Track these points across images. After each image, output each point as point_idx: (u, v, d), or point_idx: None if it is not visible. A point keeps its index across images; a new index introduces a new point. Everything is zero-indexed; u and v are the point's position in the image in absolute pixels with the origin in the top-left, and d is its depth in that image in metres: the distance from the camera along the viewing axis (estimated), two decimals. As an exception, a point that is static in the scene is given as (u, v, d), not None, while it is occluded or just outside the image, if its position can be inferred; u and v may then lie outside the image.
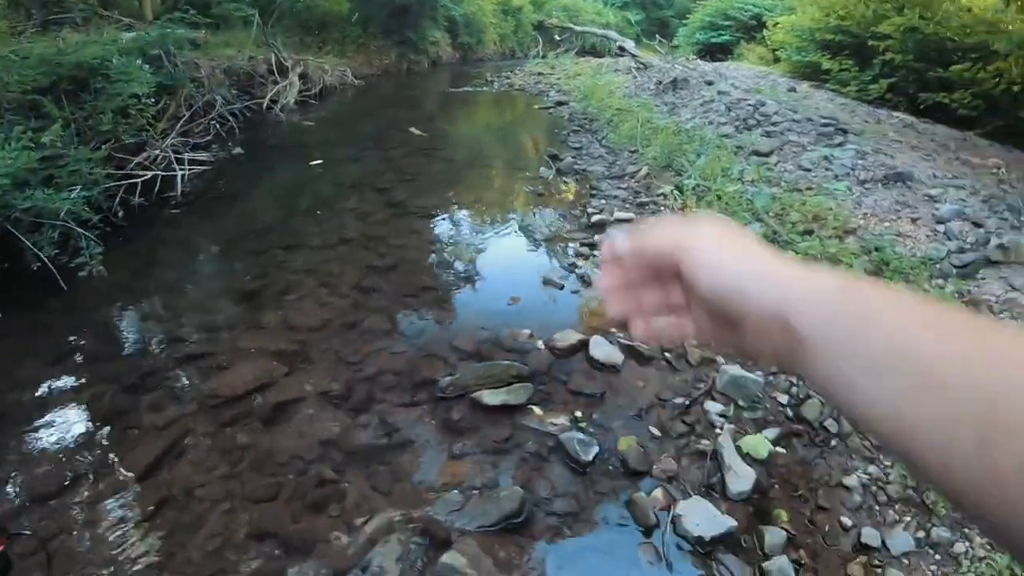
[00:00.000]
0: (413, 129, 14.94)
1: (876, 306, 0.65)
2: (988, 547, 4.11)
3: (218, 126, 13.90)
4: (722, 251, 0.78)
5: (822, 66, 19.42)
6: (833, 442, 5.07)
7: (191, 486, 4.28)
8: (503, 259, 8.35)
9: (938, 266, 7.08)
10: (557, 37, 35.21)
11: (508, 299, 7.12)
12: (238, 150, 13.04)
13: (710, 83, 15.82)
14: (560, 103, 18.87)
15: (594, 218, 9.20)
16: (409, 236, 8.68)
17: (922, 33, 16.65)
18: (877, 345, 0.61)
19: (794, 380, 5.78)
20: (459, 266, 8.00)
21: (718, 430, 5.12)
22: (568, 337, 6.18)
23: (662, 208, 9.49)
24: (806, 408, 5.37)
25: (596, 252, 8.23)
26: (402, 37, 27.01)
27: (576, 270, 7.77)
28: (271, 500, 4.18)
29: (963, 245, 7.43)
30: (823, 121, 11.58)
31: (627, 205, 9.80)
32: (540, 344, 6.17)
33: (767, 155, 10.42)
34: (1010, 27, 15.19)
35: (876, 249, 7.22)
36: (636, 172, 10.99)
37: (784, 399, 5.54)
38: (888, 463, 4.79)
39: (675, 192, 9.65)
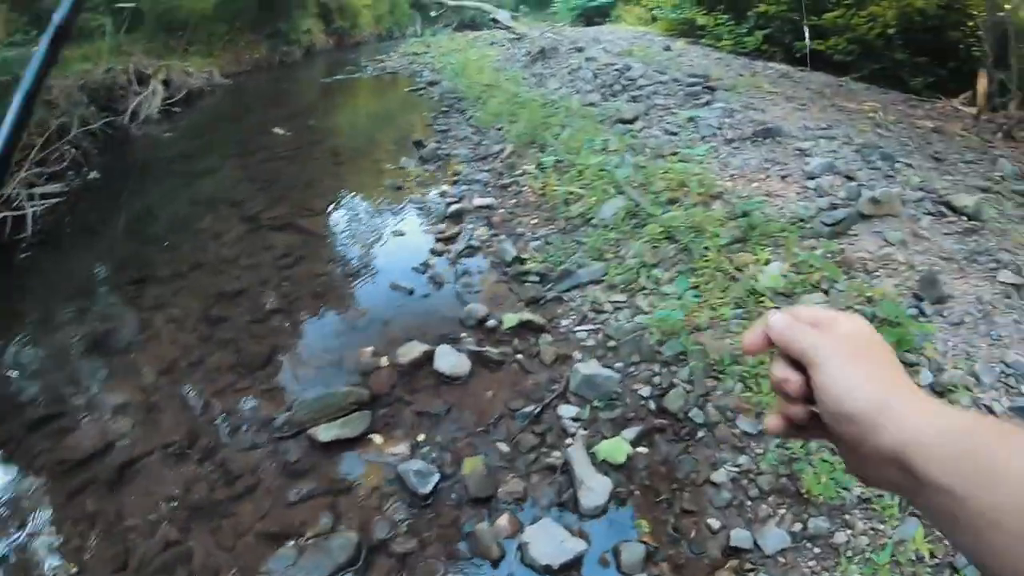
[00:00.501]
0: (277, 129, 14.06)
1: (1003, 456, 0.63)
2: (871, 534, 3.72)
3: (74, 150, 12.67)
4: (851, 367, 0.76)
5: (697, 22, 19.22)
6: (700, 433, 4.59)
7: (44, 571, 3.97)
8: (353, 268, 7.64)
9: (809, 225, 6.57)
10: (433, 13, 34.38)
11: (355, 313, 6.58)
12: (94, 175, 11.96)
13: (580, 50, 15.22)
14: (432, 83, 18.09)
15: (452, 208, 8.56)
16: (261, 254, 7.93)
17: None
18: (1004, 500, 0.60)
19: (656, 369, 5.20)
20: (307, 282, 7.28)
21: (570, 439, 4.59)
22: (412, 350, 5.57)
23: (523, 188, 8.87)
24: (669, 399, 4.84)
25: (451, 246, 7.70)
26: (272, 29, 25.94)
27: (428, 270, 7.17)
28: (122, 570, 3.88)
29: (834, 201, 6.95)
30: (691, 80, 11.04)
31: (489, 189, 9.21)
32: (384, 361, 5.57)
33: (631, 122, 9.85)
34: (883, -28, 15.13)
35: (744, 214, 6.67)
36: (501, 152, 10.37)
37: (646, 391, 5.00)
38: (760, 450, 4.33)
39: (536, 170, 8.98)
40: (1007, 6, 12.38)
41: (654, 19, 24.62)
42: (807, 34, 15.27)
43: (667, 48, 16.54)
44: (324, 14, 29.71)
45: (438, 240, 7.81)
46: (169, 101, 18.29)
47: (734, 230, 6.52)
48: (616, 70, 12.24)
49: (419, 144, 11.77)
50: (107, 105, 16.51)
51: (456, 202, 8.72)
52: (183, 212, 9.79)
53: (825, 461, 4.09)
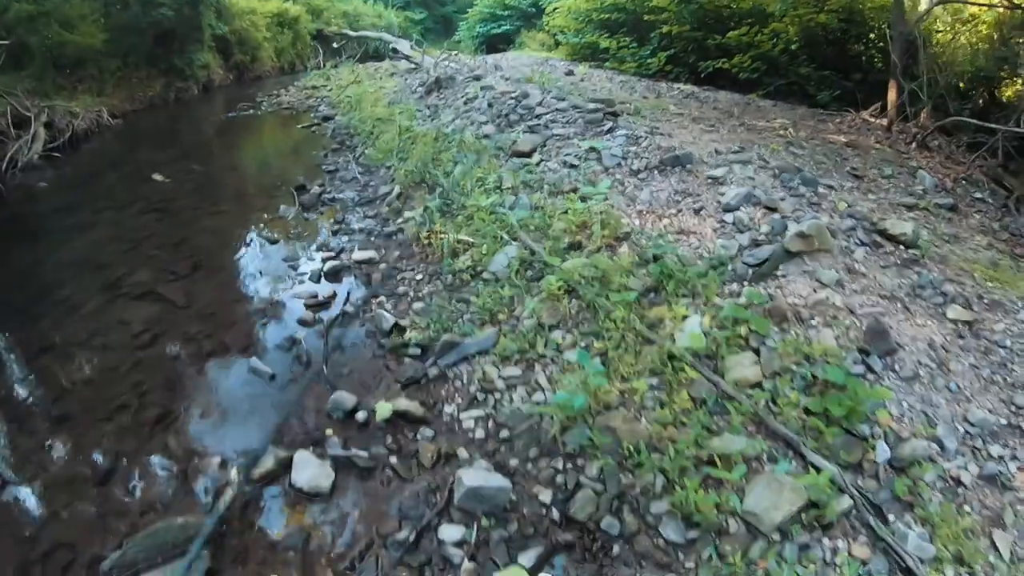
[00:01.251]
0: (156, 176, 12.83)
1: None
2: None
3: None
4: None
5: (600, 46, 18.65)
6: (615, 548, 3.67)
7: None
8: (212, 346, 6.30)
9: (731, 268, 5.63)
10: (336, 45, 33.12)
11: (208, 409, 5.34)
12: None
13: (477, 79, 14.19)
14: (326, 118, 17.01)
15: (328, 264, 7.46)
16: (116, 331, 6.65)
17: (697, 3, 16.27)
18: None
19: (560, 465, 4.17)
20: (160, 368, 5.99)
21: (455, 572, 3.57)
22: (266, 461, 4.48)
23: (408, 236, 7.84)
24: (576, 505, 3.91)
25: (323, 314, 6.64)
26: (168, 64, 24.48)
27: (294, 347, 6.02)
28: None
29: (756, 236, 6.06)
30: (592, 107, 10.00)
31: (372, 239, 8.16)
32: (233, 474, 4.41)
33: (528, 155, 8.80)
34: (782, -11, 14.68)
35: (655, 258, 5.67)
36: (388, 194, 9.38)
37: (547, 495, 4.05)
38: (691, 564, 3.49)
39: (422, 215, 7.88)
40: (913, 17, 11.97)
41: (557, 44, 23.93)
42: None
43: (569, 73, 15.80)
44: (222, 48, 28.22)
45: (308, 307, 6.66)
46: (51, 145, 16.80)
47: (645, 278, 5.57)
48: (513, 98, 11.20)
49: (302, 188, 10.69)
50: None
51: (334, 257, 7.64)
52: (46, 280, 8.39)
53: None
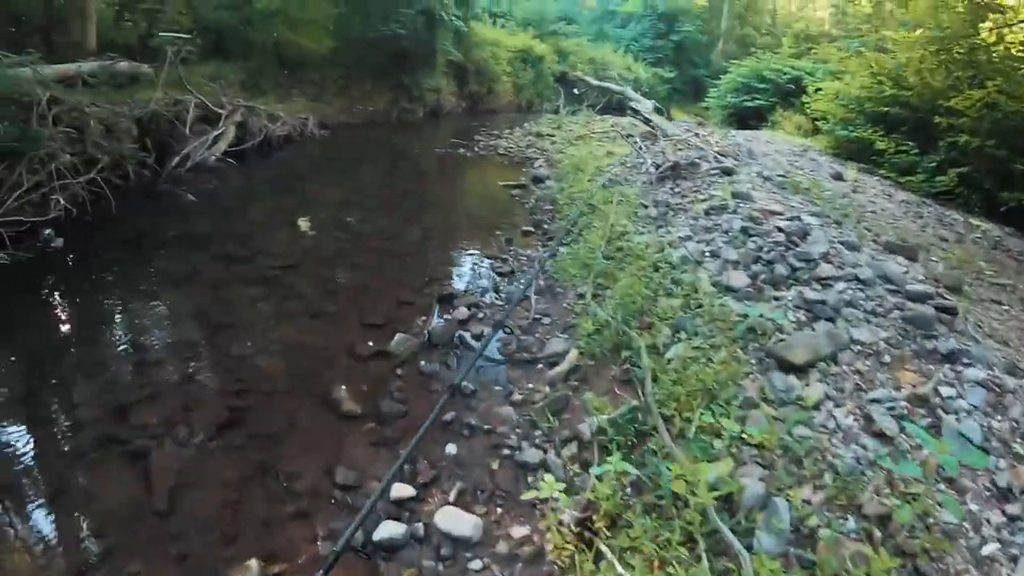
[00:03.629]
0: (302, 222, 10.66)
1: None
2: None
3: (63, 200, 9.74)
4: None
5: (874, 145, 14.35)
6: None
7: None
8: None
9: None
10: (577, 91, 29.87)
11: None
12: (57, 243, 8.93)
13: (727, 173, 10.39)
14: (537, 180, 13.74)
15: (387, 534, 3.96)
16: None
17: (1004, 112, 11.74)
18: None
19: None
20: None
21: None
22: None
23: (547, 538, 3.92)
24: None
25: None
26: (396, 82, 21.99)
27: None
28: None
29: None
30: (914, 288, 5.66)
31: (492, 487, 4.57)
32: None
33: (802, 371, 4.59)
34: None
35: None
36: (555, 361, 5.79)
37: None
38: None
39: (602, 465, 4.05)
40: None
41: (816, 130, 19.71)
42: None
43: (838, 177, 12.00)
44: (458, 75, 25.68)
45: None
46: (235, 149, 14.71)
47: None
48: (783, 233, 7.04)
49: (447, 300, 7.51)
50: (163, 141, 13.18)
51: (410, 503, 4.24)
52: (91, 355, 6.12)
53: None
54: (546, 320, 6.94)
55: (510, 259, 8.90)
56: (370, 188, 12.76)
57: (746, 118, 24.23)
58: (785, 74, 23.98)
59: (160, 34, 15.78)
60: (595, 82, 29.04)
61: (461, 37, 24.63)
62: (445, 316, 7.06)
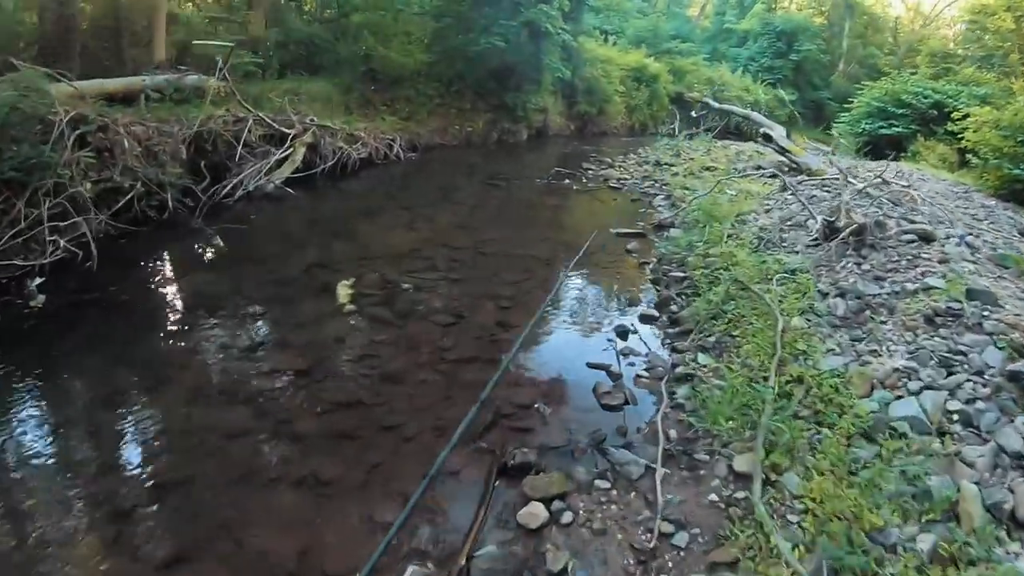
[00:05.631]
0: (342, 288, 7.60)
1: None
2: None
3: (63, 242, 7.57)
4: None
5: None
6: None
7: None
8: None
9: None
10: (694, 113, 26.33)
11: None
12: (38, 300, 6.87)
13: (926, 238, 6.95)
14: (660, 227, 10.41)
15: None
16: None
17: None
18: None
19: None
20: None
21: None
22: None
23: None
24: None
25: None
26: (498, 101, 18.98)
27: None
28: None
29: None
30: None
31: None
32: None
33: None
34: None
35: None
36: None
37: None
38: None
39: None
40: None
41: (965, 163, 15.80)
42: None
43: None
44: (567, 94, 22.53)
45: None
46: (303, 173, 12.25)
47: None
48: None
49: (512, 475, 4.29)
50: (221, 165, 11.22)
51: None
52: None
53: None
54: (680, 537, 3.66)
55: (623, 376, 5.65)
56: (445, 232, 9.69)
57: (881, 146, 20.31)
58: (926, 98, 19.99)
59: (195, 42, 13.21)
60: (716, 104, 25.47)
61: (570, 53, 21.47)
62: (504, 524, 3.86)
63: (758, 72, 34.83)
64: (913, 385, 4.50)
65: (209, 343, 6.06)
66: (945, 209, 9.01)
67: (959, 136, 14.94)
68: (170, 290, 7.42)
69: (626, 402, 5.15)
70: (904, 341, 5.11)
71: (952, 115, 15.96)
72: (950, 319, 5.21)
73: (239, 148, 11.27)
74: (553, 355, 6.11)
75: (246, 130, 11.57)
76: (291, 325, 6.44)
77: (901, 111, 20.74)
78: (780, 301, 6.10)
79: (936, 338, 5.04)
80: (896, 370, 4.70)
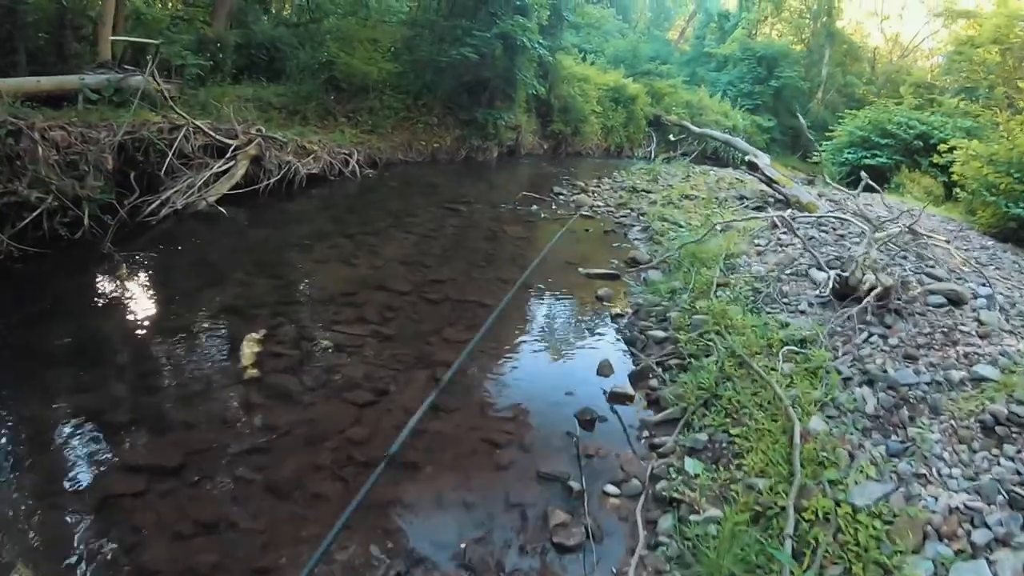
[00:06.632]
0: (250, 344, 6.05)
1: None
2: None
3: None
4: None
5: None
6: None
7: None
8: None
9: None
10: (672, 137, 25.01)
11: None
12: None
13: (956, 301, 5.62)
14: (635, 264, 9.02)
15: None
16: None
17: None
18: None
19: None
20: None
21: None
22: None
23: None
24: None
25: None
26: (468, 117, 17.55)
27: None
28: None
29: None
30: None
31: None
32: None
33: None
34: None
35: None
36: None
37: None
38: None
39: None
40: None
41: (949, 196, 15.17)
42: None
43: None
44: (542, 112, 21.14)
45: None
46: (243, 189, 10.95)
47: None
48: None
49: None
50: (155, 177, 9.90)
51: None
52: None
53: None
54: None
55: (584, 493, 4.13)
56: (388, 270, 8.13)
57: (860, 178, 19.20)
58: (911, 128, 18.97)
59: (111, 37, 11.80)
60: (696, 129, 24.04)
61: (546, 69, 20.11)
62: None
63: (737, 97, 33.59)
64: (980, 536, 3.18)
65: (68, 419, 4.58)
66: (939, 248, 7.75)
67: (946, 168, 13.86)
68: (42, 337, 5.88)
69: (588, 536, 3.69)
70: (959, 461, 3.76)
71: (939, 147, 14.84)
72: (1016, 430, 3.86)
73: (167, 159, 9.85)
74: (491, 457, 4.55)
75: (182, 139, 10.15)
76: (175, 397, 4.95)
77: (885, 141, 19.74)
78: (788, 384, 4.71)
79: (1002, 459, 3.68)
80: (955, 510, 3.36)
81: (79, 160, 8.55)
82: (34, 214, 7.63)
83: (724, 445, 4.37)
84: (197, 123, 10.53)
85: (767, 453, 4.01)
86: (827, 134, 22.57)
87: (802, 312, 6.18)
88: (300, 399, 5.03)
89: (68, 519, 3.68)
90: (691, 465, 4.19)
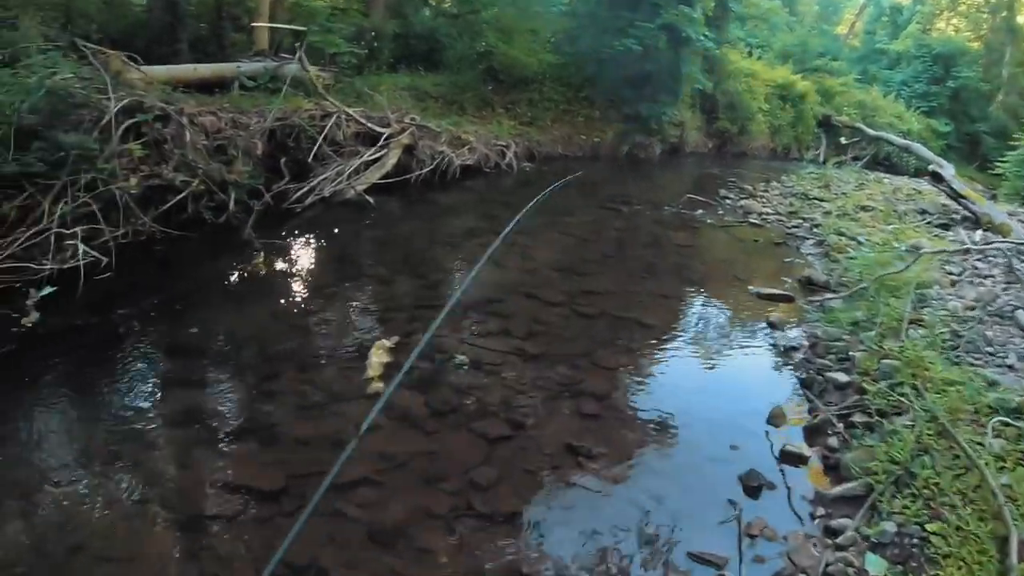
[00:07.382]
0: (379, 351, 5.35)
1: None
2: None
3: (82, 247, 6.37)
4: None
5: None
6: None
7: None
8: None
9: None
10: (844, 140, 23.35)
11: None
12: (32, 318, 5.40)
13: None
14: (810, 285, 7.96)
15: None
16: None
17: None
18: None
19: None
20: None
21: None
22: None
23: None
24: None
25: None
26: (632, 111, 16.80)
27: None
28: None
29: None
30: None
31: None
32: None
33: None
34: None
35: None
36: None
37: None
38: None
39: None
40: None
41: None
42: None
43: None
44: (707, 108, 20.09)
45: None
46: (395, 179, 10.73)
47: None
48: None
49: None
50: (301, 163, 9.88)
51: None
52: None
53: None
54: None
55: None
56: (539, 275, 7.54)
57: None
58: (1124, 143, 16.87)
59: (252, 24, 12.02)
60: (872, 132, 22.30)
61: (712, 63, 19.11)
62: None
63: (911, 98, 31.08)
64: None
65: (174, 419, 4.36)
66: None
67: None
68: (171, 326, 5.64)
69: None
70: None
71: None
72: None
73: (316, 146, 9.86)
74: (635, 524, 3.73)
75: (333, 126, 10.10)
76: (290, 407, 4.56)
77: (1088, 154, 17.69)
78: (1000, 467, 3.81)
79: None
80: None
81: (228, 145, 8.63)
82: (178, 197, 7.67)
83: (916, 542, 3.44)
84: (349, 111, 10.43)
85: (971, 567, 3.15)
86: (1010, 143, 20.45)
87: (1010, 367, 5.14)
88: (423, 425, 4.49)
89: (148, 536, 3.37)
90: (873, 564, 3.31)
